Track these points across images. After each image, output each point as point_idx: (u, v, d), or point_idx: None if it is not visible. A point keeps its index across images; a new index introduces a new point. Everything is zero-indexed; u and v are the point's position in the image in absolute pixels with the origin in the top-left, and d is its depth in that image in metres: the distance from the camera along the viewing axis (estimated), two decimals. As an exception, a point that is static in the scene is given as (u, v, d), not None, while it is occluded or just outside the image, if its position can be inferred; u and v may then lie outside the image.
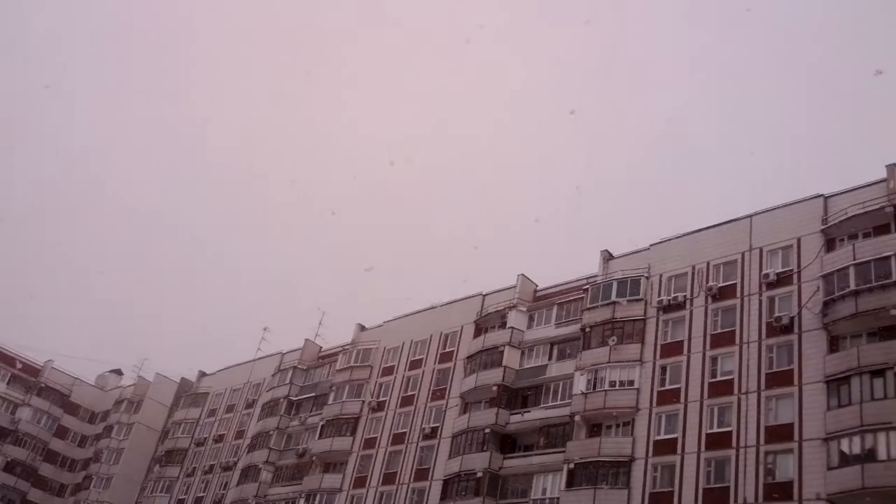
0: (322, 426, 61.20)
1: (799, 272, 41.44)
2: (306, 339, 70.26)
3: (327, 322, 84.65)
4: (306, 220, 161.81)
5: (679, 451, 40.95)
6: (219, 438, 72.21)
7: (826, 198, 42.61)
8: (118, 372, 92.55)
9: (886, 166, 40.41)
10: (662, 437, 42.14)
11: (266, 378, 70.87)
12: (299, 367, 68.04)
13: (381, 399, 59.51)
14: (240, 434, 70.30)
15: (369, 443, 57.95)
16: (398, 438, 56.21)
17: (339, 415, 60.51)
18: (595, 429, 45.42)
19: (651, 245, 49.26)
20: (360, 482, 56.49)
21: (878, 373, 35.56)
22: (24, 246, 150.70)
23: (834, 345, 38.45)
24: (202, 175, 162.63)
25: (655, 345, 45.35)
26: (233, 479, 66.54)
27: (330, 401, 62.14)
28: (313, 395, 65.13)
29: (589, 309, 48.94)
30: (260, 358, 73.70)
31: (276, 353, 72.37)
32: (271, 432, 64.89)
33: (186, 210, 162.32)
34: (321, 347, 70.46)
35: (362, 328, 66.61)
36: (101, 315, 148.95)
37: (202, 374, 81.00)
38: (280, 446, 64.46)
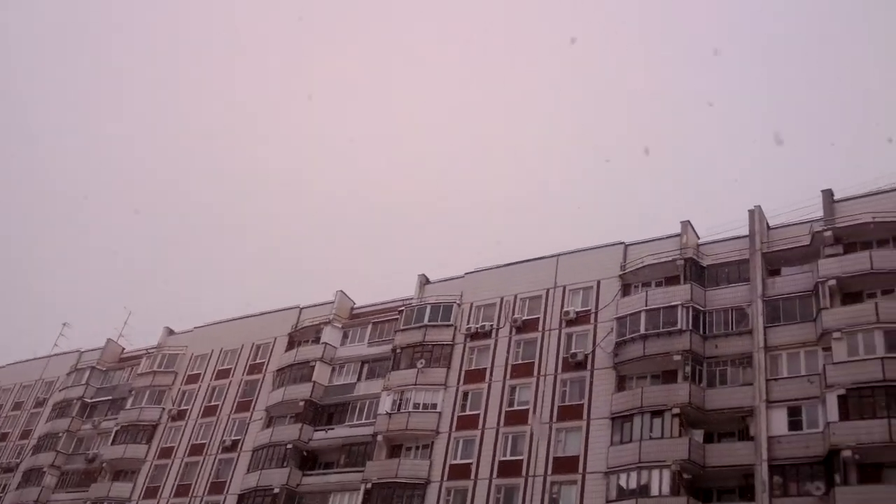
0: (116, 432, 58.61)
1: (596, 313, 44.12)
2: (108, 339, 67.12)
3: (135, 323, 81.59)
4: (118, 218, 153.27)
5: (473, 476, 42.33)
6: (2, 437, 67.57)
7: (626, 245, 45.69)
8: None
9: (681, 222, 43.78)
10: (459, 461, 43.42)
11: (60, 377, 67.01)
12: (98, 367, 64.87)
13: (182, 407, 57.71)
14: (26, 434, 66.01)
15: (165, 452, 56.03)
16: (197, 449, 54.69)
17: (137, 421, 58.19)
18: (396, 450, 46.24)
19: (466, 273, 50.83)
20: (151, 492, 54.51)
21: (658, 413, 38.36)
22: None
23: (622, 384, 41.20)
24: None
25: (460, 370, 46.79)
26: (13, 482, 62.42)
27: (128, 405, 59.68)
28: (110, 398, 62.22)
29: (401, 330, 49.82)
30: (56, 354, 69.75)
31: (74, 351, 68.63)
32: (60, 434, 61.48)
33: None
34: (123, 349, 67.54)
35: (170, 332, 64.48)
36: None
37: (-11, 367, 75.54)
38: (69, 450, 61.09)
